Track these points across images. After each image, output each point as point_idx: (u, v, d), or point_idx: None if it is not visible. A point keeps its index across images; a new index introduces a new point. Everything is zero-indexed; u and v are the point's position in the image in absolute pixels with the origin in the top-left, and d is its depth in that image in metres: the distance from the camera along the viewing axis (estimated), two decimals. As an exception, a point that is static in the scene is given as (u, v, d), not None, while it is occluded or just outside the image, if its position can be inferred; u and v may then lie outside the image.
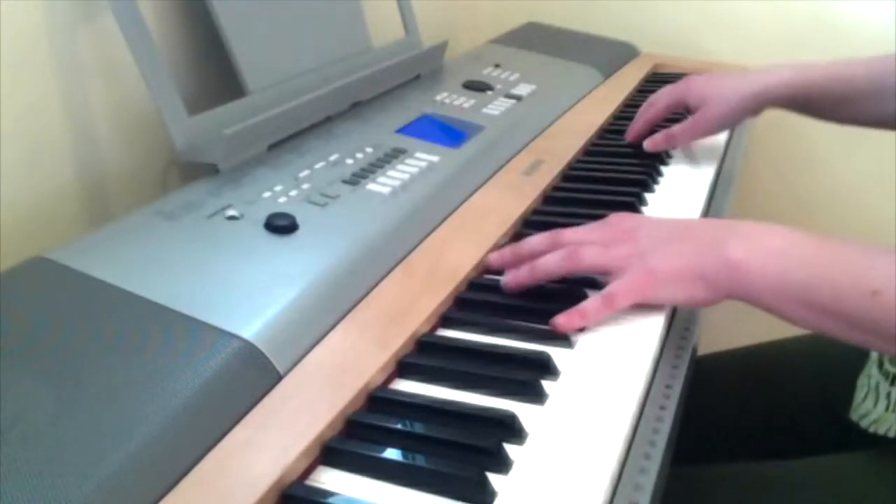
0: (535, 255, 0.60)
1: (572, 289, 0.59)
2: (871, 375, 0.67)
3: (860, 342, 0.53)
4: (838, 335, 0.53)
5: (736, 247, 0.54)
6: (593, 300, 0.56)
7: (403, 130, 0.81)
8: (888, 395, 0.65)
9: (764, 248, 0.54)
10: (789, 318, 0.54)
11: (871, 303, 0.50)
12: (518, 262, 0.61)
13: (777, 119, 0.96)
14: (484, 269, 0.64)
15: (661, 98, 0.90)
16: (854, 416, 0.68)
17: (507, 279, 0.59)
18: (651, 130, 0.90)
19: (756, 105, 0.85)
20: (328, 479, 0.43)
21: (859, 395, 0.68)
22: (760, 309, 0.54)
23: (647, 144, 0.88)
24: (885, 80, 0.79)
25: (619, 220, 0.61)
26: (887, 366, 0.66)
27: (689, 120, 0.87)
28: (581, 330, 0.55)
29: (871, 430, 0.66)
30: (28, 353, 0.44)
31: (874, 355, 0.68)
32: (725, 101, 0.84)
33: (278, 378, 0.47)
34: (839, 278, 0.51)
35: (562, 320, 0.54)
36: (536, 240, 0.61)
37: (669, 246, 0.57)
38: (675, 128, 0.87)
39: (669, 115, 0.91)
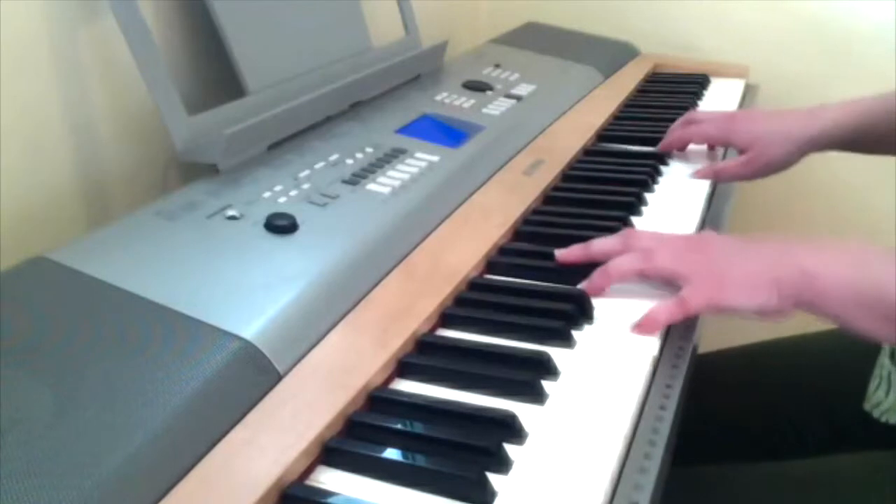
0: (605, 256, 0.60)
1: (571, 291, 0.59)
2: (883, 366, 0.67)
3: None
4: None
5: (808, 256, 0.56)
6: (666, 305, 0.56)
7: (403, 130, 0.81)
8: None
9: (835, 258, 0.56)
10: (855, 326, 0.54)
11: None
12: (587, 260, 0.61)
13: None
14: (484, 268, 0.64)
15: (706, 128, 0.87)
16: (867, 407, 0.68)
17: (584, 286, 0.60)
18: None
19: (810, 150, 0.82)
20: (328, 479, 0.43)
21: (872, 385, 0.68)
22: (827, 319, 0.55)
23: (697, 175, 0.84)
24: None
25: (688, 235, 0.62)
26: None
27: (742, 160, 0.83)
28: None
29: (883, 419, 0.67)
30: (28, 353, 0.44)
31: (887, 346, 0.68)
32: (781, 146, 0.81)
33: (278, 378, 0.47)
34: None
35: (644, 322, 0.55)
36: (607, 241, 0.62)
37: (742, 255, 0.58)
38: (726, 166, 0.84)
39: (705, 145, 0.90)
